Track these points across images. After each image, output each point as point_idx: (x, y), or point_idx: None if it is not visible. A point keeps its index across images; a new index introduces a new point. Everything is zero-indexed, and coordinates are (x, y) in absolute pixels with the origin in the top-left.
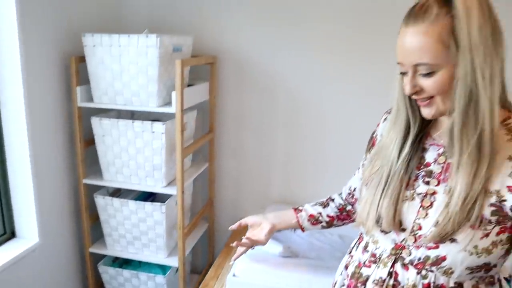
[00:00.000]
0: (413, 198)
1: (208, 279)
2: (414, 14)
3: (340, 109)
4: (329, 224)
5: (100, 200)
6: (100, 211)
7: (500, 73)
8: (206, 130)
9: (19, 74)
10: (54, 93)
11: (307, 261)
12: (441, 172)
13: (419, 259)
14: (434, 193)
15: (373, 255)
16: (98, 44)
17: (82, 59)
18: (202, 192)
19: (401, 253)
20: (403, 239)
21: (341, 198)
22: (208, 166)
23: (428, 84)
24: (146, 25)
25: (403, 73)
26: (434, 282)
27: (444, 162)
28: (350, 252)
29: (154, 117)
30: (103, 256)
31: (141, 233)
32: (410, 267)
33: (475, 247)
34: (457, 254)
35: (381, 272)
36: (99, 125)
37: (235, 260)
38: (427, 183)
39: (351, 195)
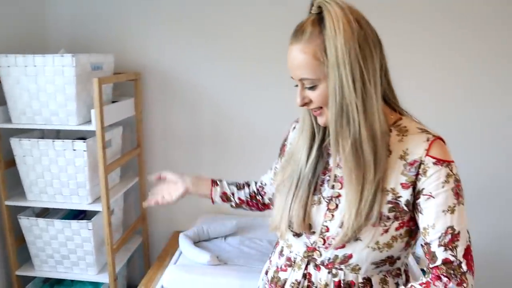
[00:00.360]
0: (320, 202)
1: None
2: (295, 33)
3: (263, 116)
4: (237, 206)
5: (25, 221)
6: (26, 232)
7: (380, 82)
8: (135, 145)
9: None
10: None
11: (236, 267)
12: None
13: (329, 259)
14: (338, 196)
15: (288, 258)
16: (13, 64)
17: None
18: (135, 207)
19: (312, 255)
20: (314, 242)
21: (255, 187)
22: (138, 180)
23: (313, 96)
24: (68, 44)
25: (297, 85)
26: (344, 280)
27: None
28: (270, 258)
29: (80, 135)
30: (33, 277)
31: (69, 251)
32: (322, 267)
33: (377, 243)
34: (362, 251)
35: (296, 274)
36: (19, 145)
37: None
38: (332, 187)
39: (261, 188)
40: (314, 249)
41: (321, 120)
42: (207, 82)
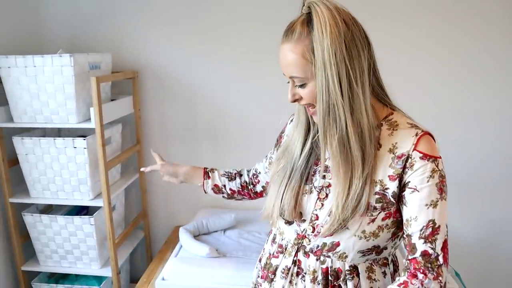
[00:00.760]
0: (311, 191)
1: (140, 285)
2: (286, 32)
3: (257, 111)
4: (229, 196)
5: (29, 218)
6: (30, 229)
7: (368, 81)
8: (134, 142)
9: None
10: None
11: (234, 259)
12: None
13: (318, 246)
14: (329, 185)
15: (280, 245)
16: (13, 65)
17: None
18: (136, 202)
19: (302, 242)
20: (304, 229)
21: (248, 176)
22: (138, 176)
23: (303, 93)
24: (66, 45)
25: (289, 82)
26: (331, 267)
27: None
28: (264, 246)
29: (81, 133)
30: (39, 273)
31: (73, 246)
32: (311, 254)
33: (363, 232)
34: (349, 240)
35: (286, 261)
36: (21, 144)
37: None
38: (324, 177)
39: (255, 176)
40: (304, 237)
41: (315, 118)
42: (203, 79)
